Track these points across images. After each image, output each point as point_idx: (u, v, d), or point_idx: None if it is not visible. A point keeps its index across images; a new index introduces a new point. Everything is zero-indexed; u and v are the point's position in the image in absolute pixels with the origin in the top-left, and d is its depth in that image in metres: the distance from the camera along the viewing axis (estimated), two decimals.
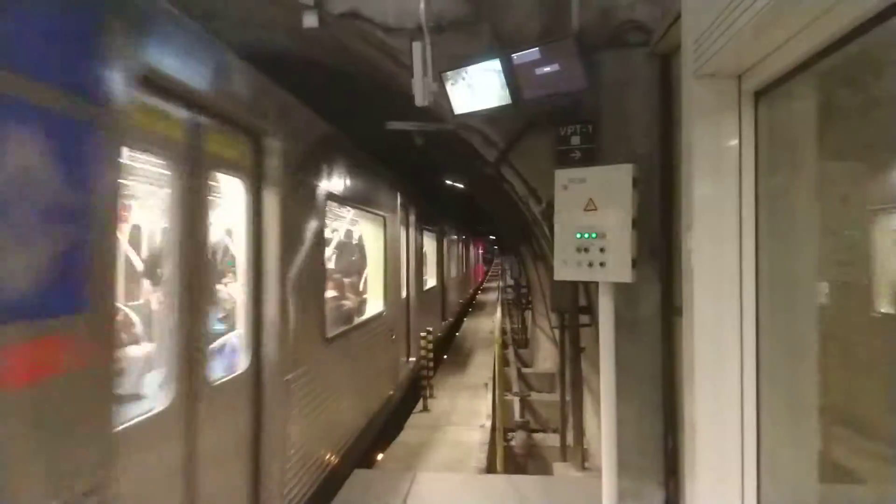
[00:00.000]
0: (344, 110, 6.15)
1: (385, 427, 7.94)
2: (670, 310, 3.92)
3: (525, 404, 10.40)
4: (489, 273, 47.12)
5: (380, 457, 7.33)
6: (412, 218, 10.49)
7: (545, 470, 7.79)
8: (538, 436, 9.31)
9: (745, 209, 2.81)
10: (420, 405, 9.30)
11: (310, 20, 4.38)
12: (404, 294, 9.75)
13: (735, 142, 2.81)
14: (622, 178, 3.62)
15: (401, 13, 4.45)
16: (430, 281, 13.95)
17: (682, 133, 3.16)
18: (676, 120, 3.52)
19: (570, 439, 6.10)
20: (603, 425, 3.78)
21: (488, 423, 8.47)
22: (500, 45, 4.23)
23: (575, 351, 5.73)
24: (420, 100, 4.13)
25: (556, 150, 4.39)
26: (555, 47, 3.88)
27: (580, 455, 5.77)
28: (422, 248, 12.13)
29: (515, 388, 11.38)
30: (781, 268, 2.71)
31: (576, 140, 4.34)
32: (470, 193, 13.56)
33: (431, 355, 9.69)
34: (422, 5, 4.17)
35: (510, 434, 9.01)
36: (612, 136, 4.21)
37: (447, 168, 11.43)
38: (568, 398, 6.26)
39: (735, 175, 2.80)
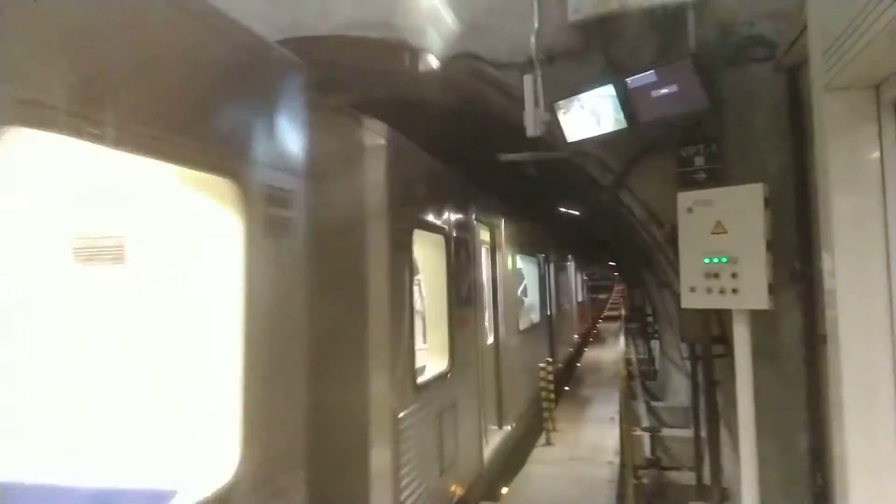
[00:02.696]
0: (456, 146, 6.32)
1: None
2: (814, 338, 3.64)
3: (656, 440, 9.89)
4: (610, 301, 45.72)
5: (504, 490, 7.26)
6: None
7: None
8: (671, 474, 8.79)
9: (893, 226, 2.58)
10: (543, 438, 9.13)
11: (426, 64, 4.59)
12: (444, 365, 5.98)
13: (876, 155, 2.59)
14: (752, 198, 3.45)
15: (512, 48, 4.54)
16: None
17: (816, 148, 2.97)
18: (809, 135, 3.31)
19: (706, 478, 5.73)
20: (742, 463, 3.54)
21: (616, 460, 8.15)
22: (614, 71, 4.20)
23: (709, 383, 5.42)
24: (531, 131, 4.18)
25: (678, 171, 4.25)
26: (672, 69, 3.79)
27: (718, 495, 5.39)
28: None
29: (645, 423, 10.88)
30: None
31: (699, 161, 4.19)
32: (585, 219, 13.27)
33: (552, 387, 9.51)
34: (532, 39, 4.25)
35: (641, 471, 8.60)
36: (738, 155, 4.02)
37: (559, 194, 11.21)
38: (703, 434, 5.91)
39: (878, 191, 2.57)
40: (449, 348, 5.16)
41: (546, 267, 13.61)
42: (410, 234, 4.59)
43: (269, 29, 4.43)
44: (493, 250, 7.95)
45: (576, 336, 19.87)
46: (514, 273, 9.17)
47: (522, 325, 9.86)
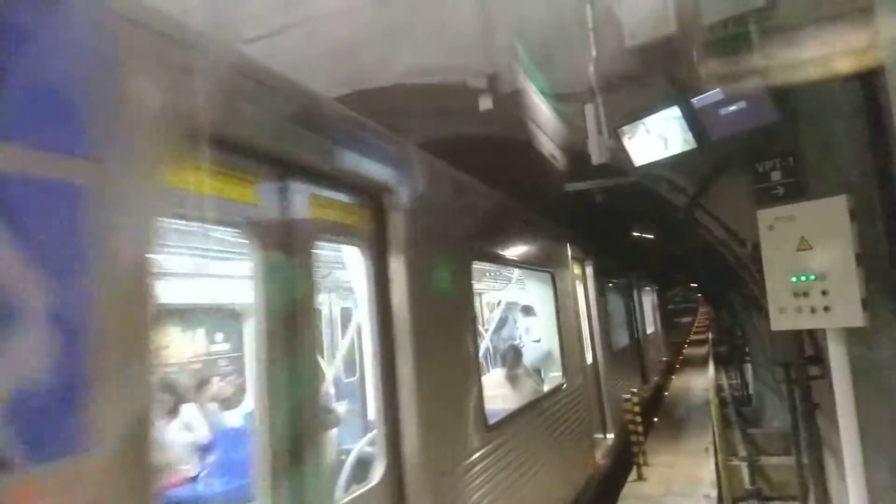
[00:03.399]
0: (519, 179, 6.31)
1: None
2: None
3: (754, 469, 9.34)
4: (695, 325, 43.95)
5: None
6: None
7: None
8: None
9: None
10: (634, 474, 8.77)
11: (485, 103, 4.66)
12: None
13: None
14: (837, 211, 3.29)
15: (571, 79, 4.57)
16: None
17: None
18: (892, 141, 3.14)
19: None
20: (850, 493, 3.30)
21: (714, 492, 7.74)
22: (677, 92, 4.14)
23: (808, 407, 5.10)
24: (596, 158, 4.16)
25: (755, 188, 4.13)
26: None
27: None
28: None
29: (741, 452, 10.30)
30: None
31: (776, 175, 4.06)
32: (659, 241, 12.80)
33: (639, 419, 9.16)
34: (591, 68, 4.25)
35: None
36: (816, 166, 3.85)
37: (629, 217, 10.85)
38: (806, 461, 5.55)
39: None
40: None
41: (585, 294, 9.17)
42: None
43: (331, 82, 4.65)
44: (408, 259, 3.35)
45: (645, 384, 14.27)
46: (467, 305, 4.49)
47: (510, 403, 5.41)
